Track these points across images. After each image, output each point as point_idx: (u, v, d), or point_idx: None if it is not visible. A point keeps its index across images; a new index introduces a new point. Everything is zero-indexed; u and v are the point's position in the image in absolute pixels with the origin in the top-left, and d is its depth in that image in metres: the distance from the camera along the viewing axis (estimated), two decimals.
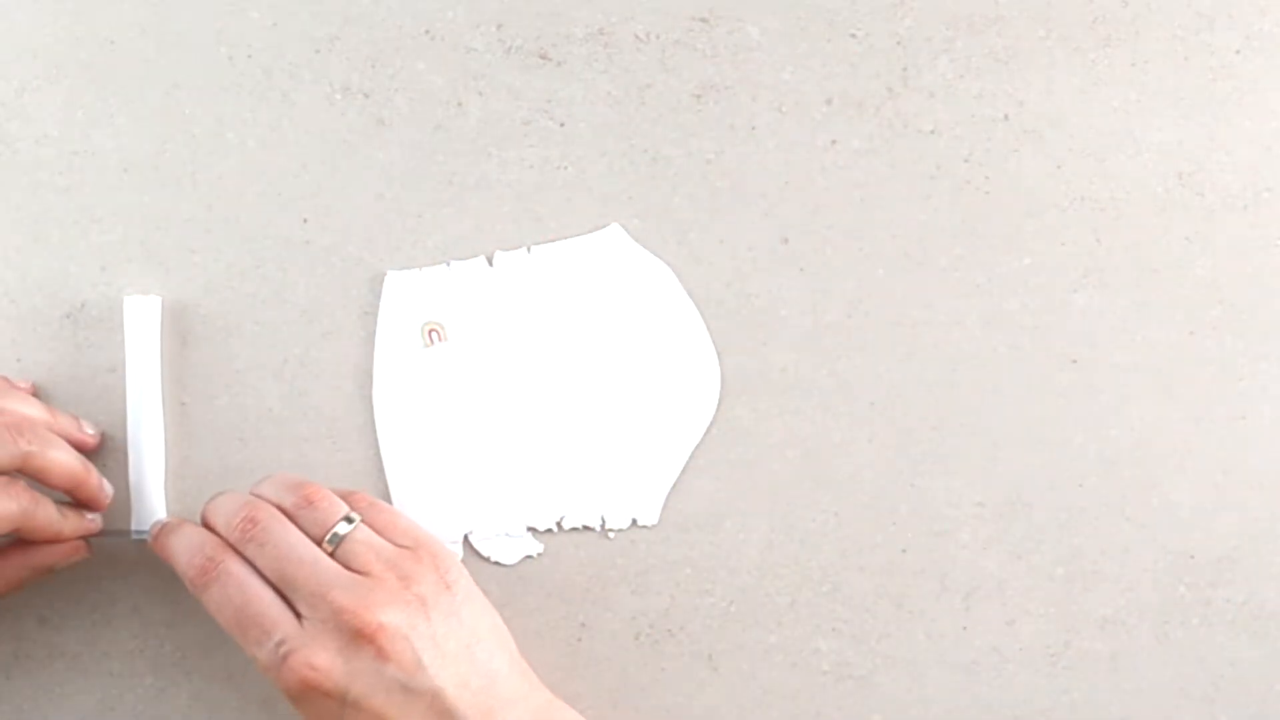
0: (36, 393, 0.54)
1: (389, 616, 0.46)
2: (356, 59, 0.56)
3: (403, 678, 0.46)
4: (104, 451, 0.55)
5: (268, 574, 0.48)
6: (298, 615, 0.47)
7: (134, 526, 0.55)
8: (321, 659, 0.46)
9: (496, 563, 0.56)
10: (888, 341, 0.56)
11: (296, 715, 0.51)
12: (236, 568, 0.48)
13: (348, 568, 0.48)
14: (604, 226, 0.56)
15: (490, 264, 0.56)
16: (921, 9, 0.56)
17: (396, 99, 0.56)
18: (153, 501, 0.55)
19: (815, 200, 0.56)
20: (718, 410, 0.56)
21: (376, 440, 0.56)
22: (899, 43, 0.56)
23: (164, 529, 0.51)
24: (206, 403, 0.55)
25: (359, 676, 0.46)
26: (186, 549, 0.49)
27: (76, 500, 0.52)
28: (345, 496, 0.51)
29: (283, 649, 0.46)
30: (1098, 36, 0.57)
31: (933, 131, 0.56)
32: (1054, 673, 0.56)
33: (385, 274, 0.56)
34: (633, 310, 0.56)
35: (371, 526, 0.50)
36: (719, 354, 0.56)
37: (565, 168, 0.56)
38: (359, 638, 0.46)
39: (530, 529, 0.56)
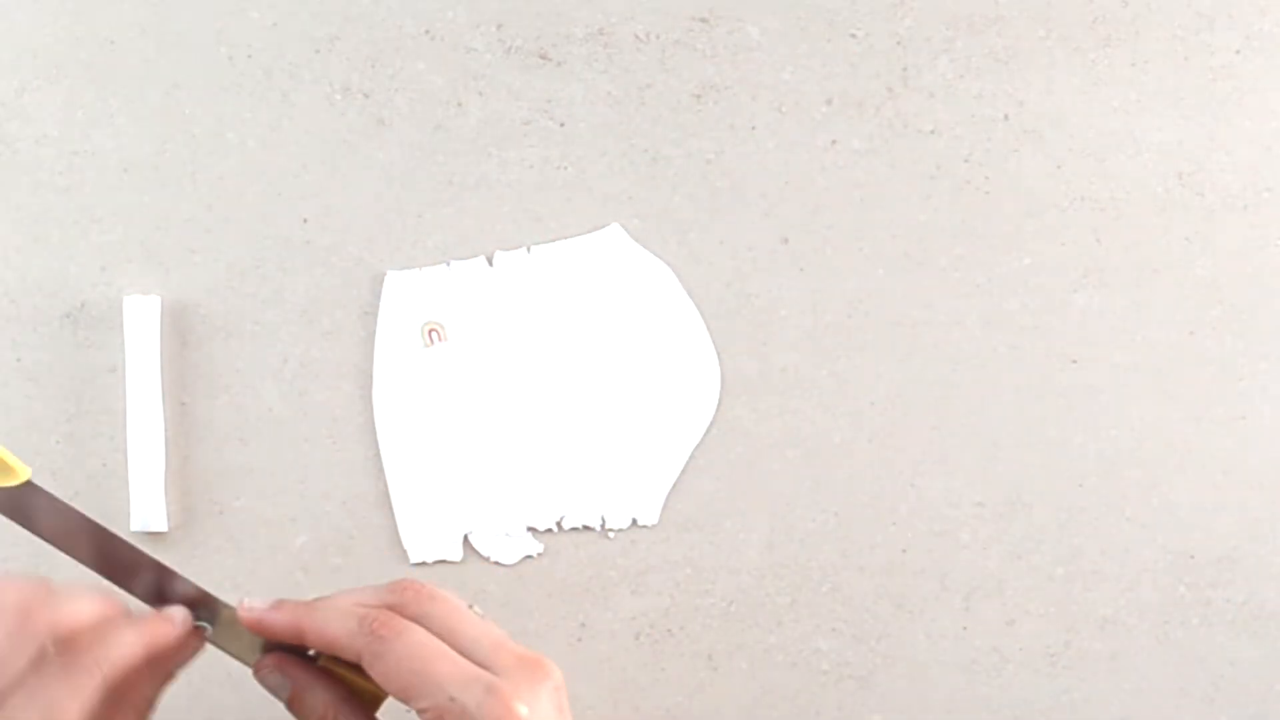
0: None
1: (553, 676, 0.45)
2: (356, 59, 0.56)
3: None
4: (104, 451, 0.55)
5: (439, 633, 0.45)
6: None
7: (134, 527, 0.55)
8: (526, 697, 0.44)
9: (496, 563, 0.56)
10: (888, 341, 0.56)
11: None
12: (406, 624, 0.45)
13: None
14: (604, 226, 0.56)
15: (490, 264, 0.56)
16: (921, 9, 0.56)
17: (396, 99, 0.56)
18: (153, 501, 0.55)
19: (815, 200, 0.56)
20: (718, 410, 0.56)
21: (376, 440, 0.56)
22: (899, 43, 0.57)
23: (304, 607, 0.45)
24: (206, 403, 0.56)
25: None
26: (346, 616, 0.45)
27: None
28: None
29: (486, 685, 0.43)
30: (1098, 36, 0.57)
31: (933, 131, 0.56)
32: (1054, 673, 0.56)
33: (385, 274, 0.56)
34: (633, 310, 0.56)
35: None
36: (719, 354, 0.56)
37: (565, 168, 0.56)
38: (544, 676, 0.45)
39: (530, 529, 0.56)
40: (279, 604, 0.46)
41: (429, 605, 0.45)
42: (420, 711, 0.44)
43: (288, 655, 0.46)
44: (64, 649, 0.43)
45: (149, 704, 0.45)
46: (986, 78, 0.57)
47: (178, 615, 0.46)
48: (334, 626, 0.45)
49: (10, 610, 0.42)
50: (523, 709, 0.43)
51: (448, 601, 0.45)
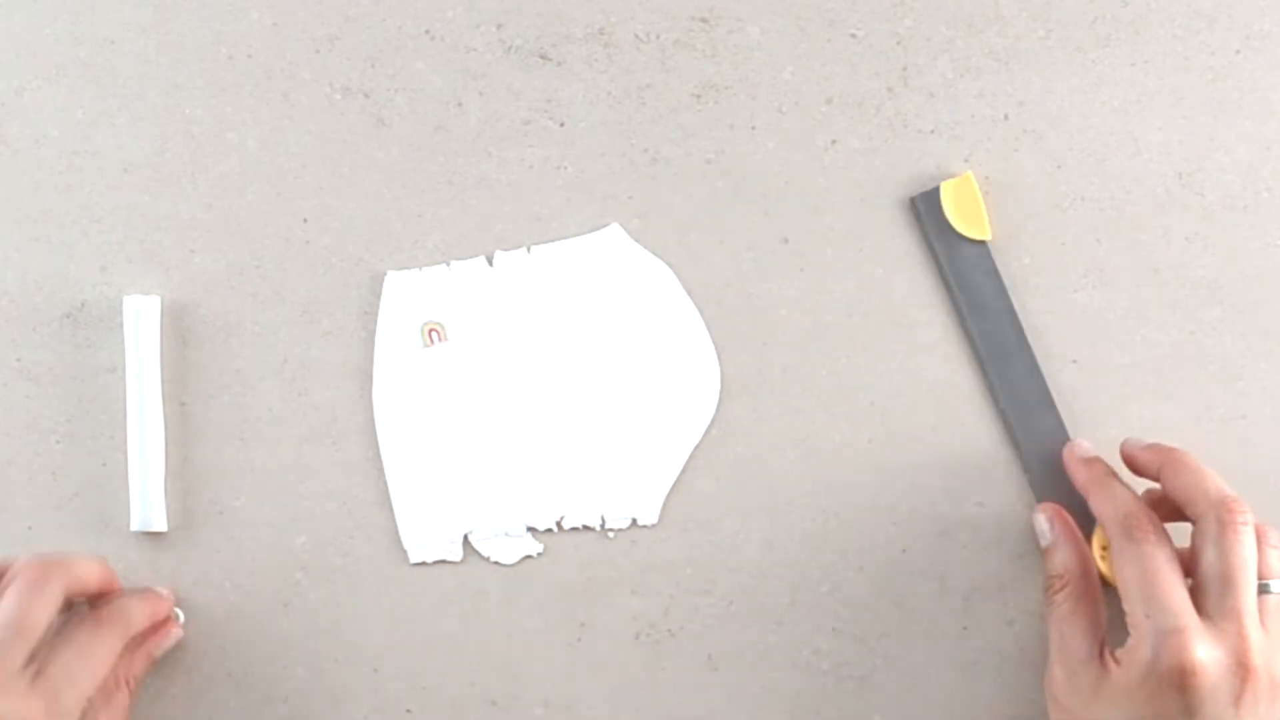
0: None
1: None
2: (356, 59, 0.56)
3: None
4: (104, 451, 0.55)
5: None
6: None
7: (134, 527, 0.55)
8: (1205, 655, 0.47)
9: (496, 563, 0.56)
10: (888, 341, 0.56)
11: (296, 718, 0.52)
12: (1160, 540, 0.50)
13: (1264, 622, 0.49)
14: (604, 226, 0.56)
15: (490, 264, 0.56)
16: (921, 9, 0.56)
17: (396, 99, 0.56)
18: (153, 501, 0.55)
19: (815, 200, 0.56)
20: (718, 410, 0.56)
21: (376, 440, 0.55)
22: (899, 43, 0.56)
23: (1095, 473, 0.53)
24: (206, 403, 0.56)
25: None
26: (1117, 501, 0.51)
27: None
28: None
29: (1177, 625, 0.48)
30: (1098, 36, 0.57)
31: (933, 131, 0.56)
32: None
33: (385, 274, 0.56)
34: (633, 310, 0.56)
35: None
36: (719, 354, 0.56)
37: (565, 168, 0.56)
38: (1241, 672, 0.48)
39: (530, 529, 0.56)
40: (1149, 448, 0.53)
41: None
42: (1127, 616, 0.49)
43: (1065, 510, 0.54)
44: (92, 607, 0.52)
45: (138, 682, 0.53)
46: (986, 78, 0.57)
47: (166, 593, 0.54)
48: (1198, 494, 0.51)
49: (33, 568, 0.49)
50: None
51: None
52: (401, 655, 0.55)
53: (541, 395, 0.56)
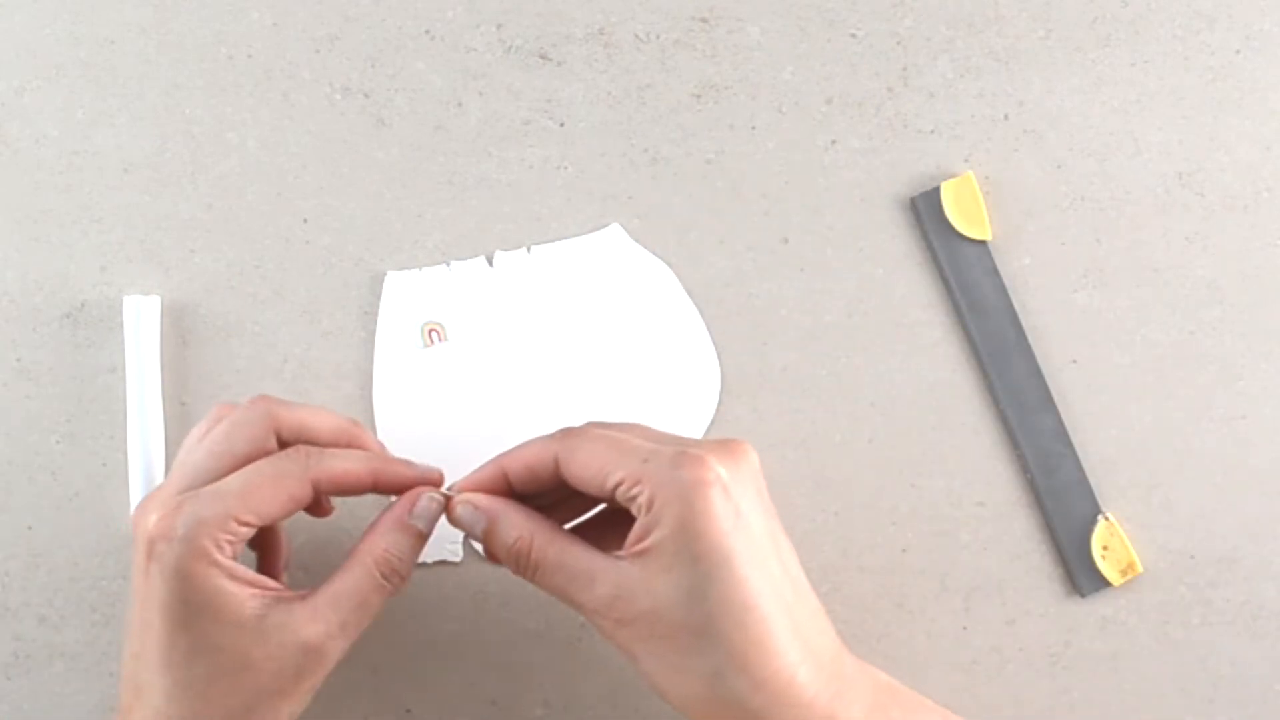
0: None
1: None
2: (356, 59, 0.56)
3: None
4: (104, 451, 0.55)
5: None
6: None
7: None
8: (725, 463, 0.44)
9: None
10: (888, 341, 0.56)
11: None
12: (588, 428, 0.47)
13: None
14: (604, 226, 0.56)
15: (490, 264, 0.56)
16: (921, 9, 0.56)
17: (396, 99, 0.56)
18: None
19: (815, 200, 0.56)
20: (718, 410, 0.56)
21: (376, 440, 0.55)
22: (899, 43, 0.57)
23: (497, 456, 0.48)
24: (206, 403, 0.55)
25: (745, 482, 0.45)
26: (534, 440, 0.47)
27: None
28: None
29: (684, 447, 0.44)
30: (1098, 36, 0.57)
31: (933, 131, 0.56)
32: (1054, 673, 0.56)
33: (385, 274, 0.56)
34: (633, 310, 0.56)
35: None
36: (719, 354, 0.56)
37: (565, 168, 0.56)
38: (743, 454, 0.45)
39: None
40: (476, 470, 0.48)
41: (602, 426, 0.47)
42: (616, 487, 0.44)
43: (476, 490, 0.48)
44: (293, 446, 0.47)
45: (401, 561, 0.48)
46: (986, 78, 0.57)
47: (424, 470, 0.49)
48: (528, 450, 0.47)
49: (258, 401, 0.48)
50: (721, 469, 0.43)
51: (620, 423, 0.47)
52: (401, 655, 0.55)
53: (541, 395, 0.56)
